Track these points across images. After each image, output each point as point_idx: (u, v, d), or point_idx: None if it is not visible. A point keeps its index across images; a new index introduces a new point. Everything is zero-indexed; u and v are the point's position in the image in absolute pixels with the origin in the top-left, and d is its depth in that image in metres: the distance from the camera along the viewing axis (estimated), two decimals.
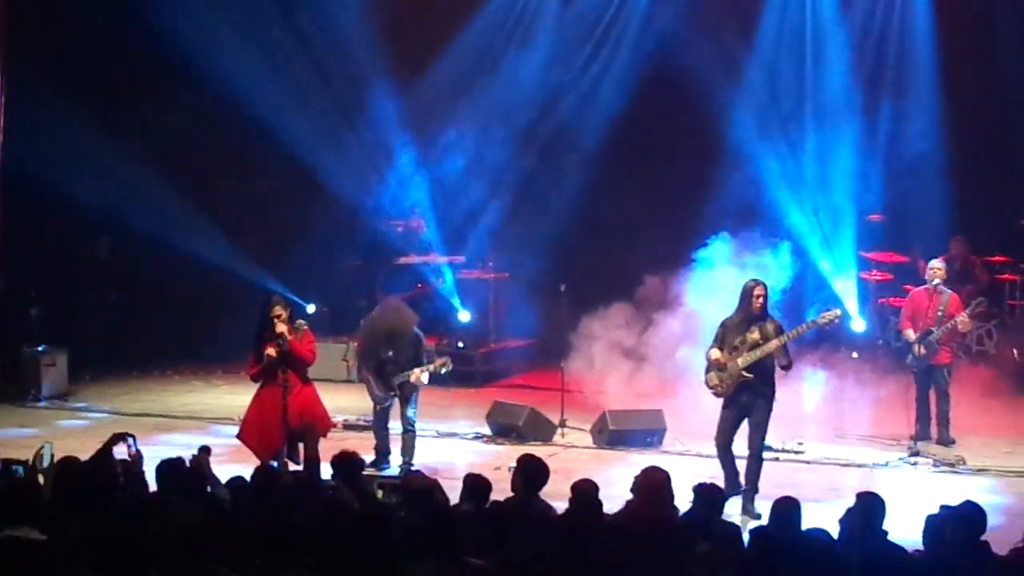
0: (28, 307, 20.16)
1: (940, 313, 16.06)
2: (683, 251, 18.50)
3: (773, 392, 13.39)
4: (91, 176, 21.21)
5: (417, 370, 14.68)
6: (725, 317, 13.60)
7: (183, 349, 22.06)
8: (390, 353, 14.82)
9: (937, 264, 16.33)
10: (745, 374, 13.17)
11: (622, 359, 18.24)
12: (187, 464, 9.93)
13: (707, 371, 13.54)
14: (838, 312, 13.96)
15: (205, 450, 10.65)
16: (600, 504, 9.21)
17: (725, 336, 13.45)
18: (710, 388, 13.54)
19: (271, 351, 13.64)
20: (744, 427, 13.45)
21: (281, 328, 13.59)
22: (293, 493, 9.64)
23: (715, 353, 13.43)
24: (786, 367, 13.46)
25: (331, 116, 21.97)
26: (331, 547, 7.88)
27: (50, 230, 21.35)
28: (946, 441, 16.17)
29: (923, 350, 16.03)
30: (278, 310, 13.71)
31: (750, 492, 13.16)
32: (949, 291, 16.34)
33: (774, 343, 13.12)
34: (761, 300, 13.31)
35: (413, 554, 7.79)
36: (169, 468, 9.58)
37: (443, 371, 14.91)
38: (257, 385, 14.01)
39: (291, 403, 13.55)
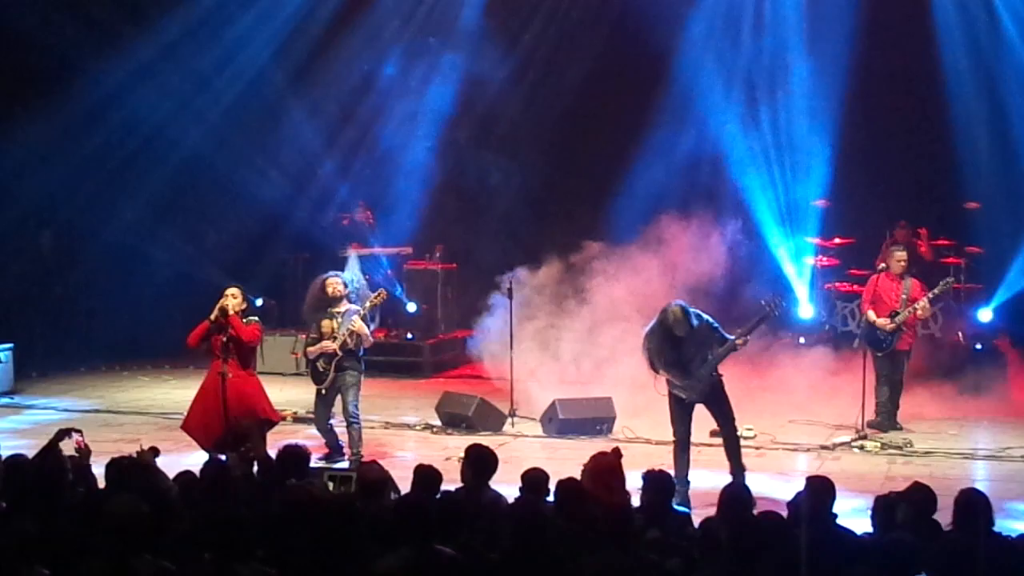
0: None
1: (904, 297, 16.20)
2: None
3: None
4: (30, 168, 21.07)
5: (355, 318, 14.67)
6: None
7: (131, 344, 21.92)
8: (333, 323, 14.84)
9: (901, 254, 16.47)
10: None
11: (559, 343, 18.15)
12: (135, 461, 9.88)
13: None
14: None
15: (152, 451, 10.58)
16: (549, 492, 9.22)
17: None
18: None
19: (211, 316, 13.94)
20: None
21: (225, 303, 13.80)
22: (243, 487, 9.61)
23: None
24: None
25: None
26: (286, 541, 7.85)
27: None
28: (887, 427, 16.27)
29: (890, 328, 16.14)
30: (233, 290, 13.99)
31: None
32: (910, 277, 16.45)
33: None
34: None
35: (382, 544, 7.78)
36: (117, 465, 9.52)
37: (379, 302, 14.95)
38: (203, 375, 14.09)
39: (231, 393, 13.62)
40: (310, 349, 14.90)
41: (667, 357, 13.18)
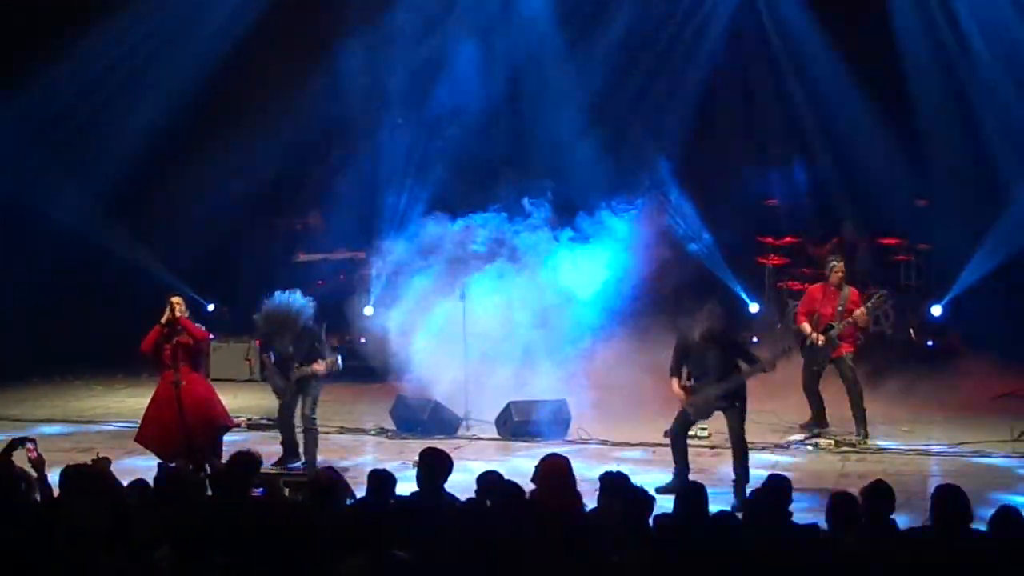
0: None
1: (840, 308, 16.16)
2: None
3: None
4: None
5: (315, 365, 14.57)
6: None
7: (83, 353, 21.75)
8: (290, 348, 14.68)
9: (839, 264, 16.43)
10: None
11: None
12: (90, 468, 9.81)
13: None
14: None
15: (105, 460, 10.51)
16: (506, 494, 9.20)
17: None
18: None
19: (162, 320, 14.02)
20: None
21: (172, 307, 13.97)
22: (197, 494, 9.56)
23: None
24: None
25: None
26: (243, 547, 7.81)
27: None
28: (861, 435, 16.06)
29: (821, 343, 16.09)
30: (176, 298, 14.11)
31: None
32: (848, 286, 16.41)
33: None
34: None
35: (338, 550, 7.75)
36: (73, 472, 9.43)
37: (333, 371, 14.81)
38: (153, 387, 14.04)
39: (186, 401, 13.59)
40: (300, 370, 14.66)
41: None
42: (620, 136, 21.16)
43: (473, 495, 9.27)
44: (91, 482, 9.32)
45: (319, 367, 14.49)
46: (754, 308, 20.53)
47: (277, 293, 14.99)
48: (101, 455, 10.59)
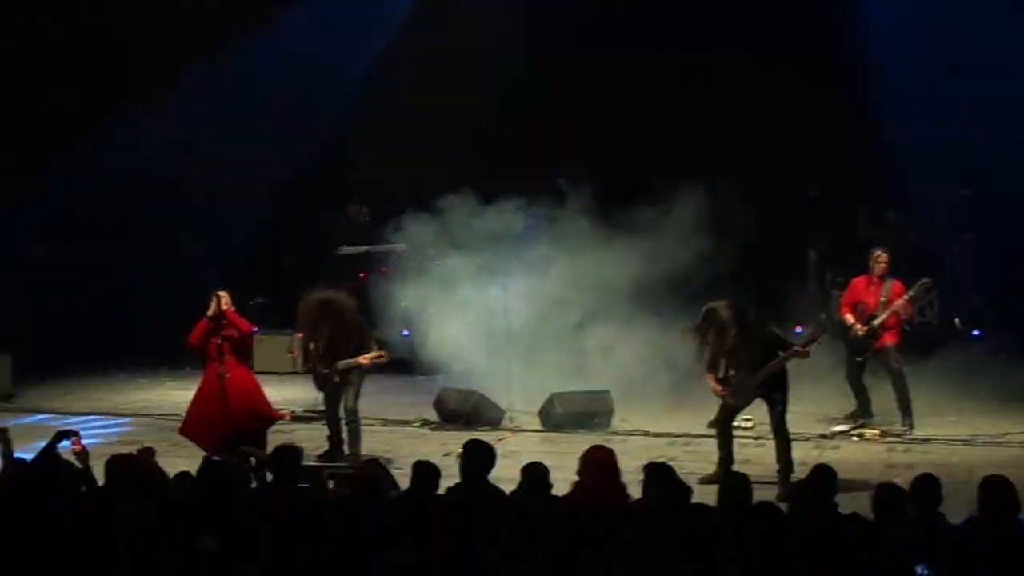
0: None
1: (883, 299, 16.11)
2: None
3: None
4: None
5: (358, 358, 14.60)
6: None
7: (127, 347, 21.86)
8: (334, 342, 14.72)
9: (882, 254, 16.37)
10: None
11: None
12: (135, 459, 9.88)
13: None
14: None
15: (149, 451, 10.59)
16: (550, 486, 9.22)
17: None
18: None
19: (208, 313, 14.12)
20: None
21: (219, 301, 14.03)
22: (242, 486, 9.61)
23: None
24: None
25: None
26: (287, 539, 7.86)
27: None
28: (907, 425, 16.02)
29: (863, 333, 16.05)
30: (223, 293, 14.15)
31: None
32: (892, 278, 16.35)
33: None
34: None
35: (382, 542, 7.78)
36: (118, 463, 9.49)
37: (378, 363, 14.83)
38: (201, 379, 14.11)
39: (232, 394, 13.68)
40: (344, 361, 14.71)
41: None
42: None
43: (517, 486, 9.30)
44: (136, 474, 9.38)
45: (362, 358, 14.54)
46: (799, 299, 20.43)
47: (320, 287, 15.08)
48: (145, 446, 10.69)
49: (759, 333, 13.54)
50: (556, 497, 9.25)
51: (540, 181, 18.78)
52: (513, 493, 9.27)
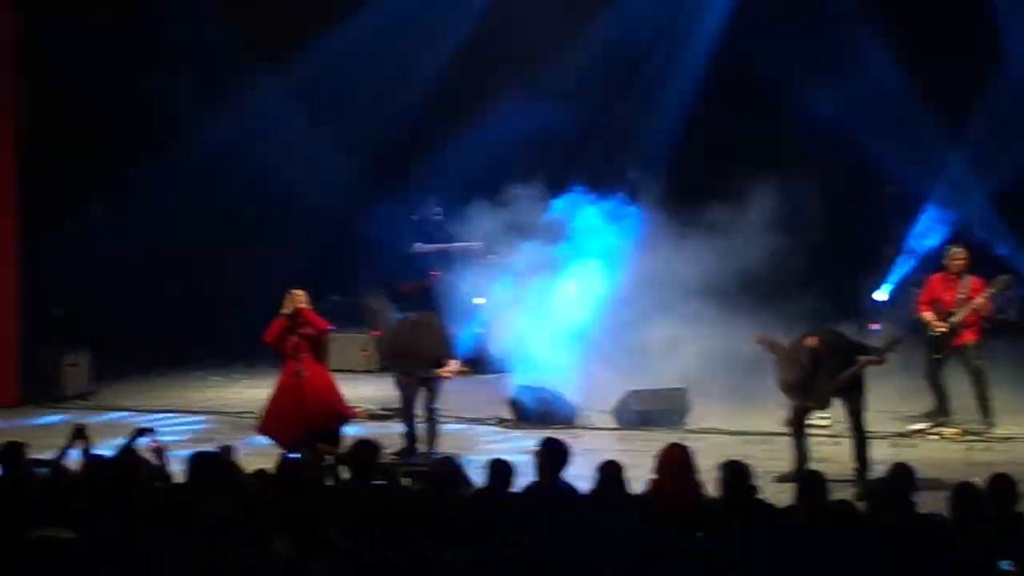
0: (51, 305, 20.18)
1: (961, 296, 15.98)
2: None
3: None
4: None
5: (445, 368, 14.70)
6: None
7: (204, 345, 22.03)
8: (416, 346, 14.80)
9: (959, 251, 16.25)
10: None
11: None
12: (218, 456, 9.98)
13: None
14: None
15: (230, 448, 10.67)
16: (625, 484, 9.22)
17: None
18: None
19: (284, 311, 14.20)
20: None
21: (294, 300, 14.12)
22: (318, 483, 9.68)
23: None
24: None
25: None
26: (362, 536, 7.90)
27: (70, 229, 21.26)
28: (986, 424, 15.89)
29: (941, 331, 15.94)
30: (299, 291, 14.23)
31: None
32: (970, 275, 16.22)
33: None
34: None
35: (456, 539, 7.81)
36: (201, 460, 9.58)
37: (463, 374, 14.96)
38: (276, 377, 14.20)
39: (308, 392, 13.80)
40: (428, 372, 14.83)
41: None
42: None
43: (593, 485, 9.31)
44: (218, 470, 9.48)
45: (446, 371, 14.63)
46: (881, 295, 20.31)
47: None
48: (226, 444, 10.78)
49: (838, 341, 13.49)
50: (632, 495, 9.25)
51: (610, 174, 18.74)
52: (589, 491, 9.28)
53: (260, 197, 22.03)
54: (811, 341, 13.32)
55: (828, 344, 13.32)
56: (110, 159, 21.38)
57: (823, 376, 13.30)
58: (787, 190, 17.83)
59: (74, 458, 10.36)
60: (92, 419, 17.33)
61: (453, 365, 14.72)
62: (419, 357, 14.77)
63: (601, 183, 18.46)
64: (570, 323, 17.64)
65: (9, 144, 18.82)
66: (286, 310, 14.25)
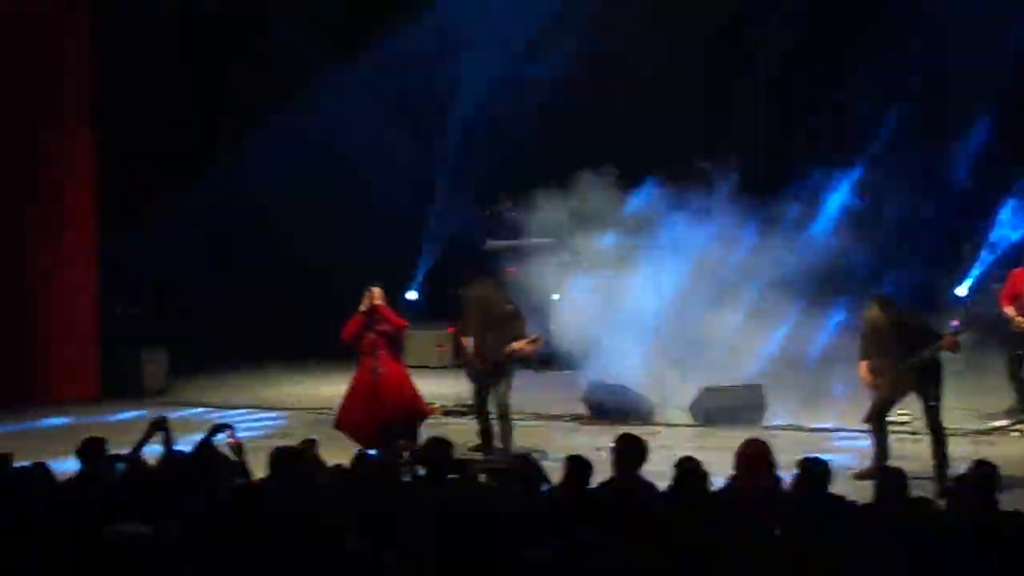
0: (129, 303, 20.37)
1: None
2: None
3: None
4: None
5: (514, 343, 14.59)
6: None
7: (279, 341, 22.14)
8: (488, 334, 14.75)
9: None
10: None
11: None
12: (299, 451, 10.02)
13: None
14: None
15: (311, 443, 10.73)
16: (704, 481, 9.17)
17: None
18: None
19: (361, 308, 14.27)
20: None
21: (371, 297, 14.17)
22: (394, 480, 9.69)
23: None
24: None
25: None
26: (438, 533, 7.89)
27: (147, 227, 21.42)
28: None
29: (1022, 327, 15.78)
30: (377, 288, 14.31)
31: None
32: None
33: None
34: None
35: (533, 536, 7.80)
36: (282, 455, 9.61)
37: (536, 347, 14.80)
38: (351, 373, 14.26)
39: (384, 389, 13.86)
40: (507, 348, 14.79)
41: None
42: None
43: (670, 482, 9.27)
44: (298, 466, 9.50)
45: (523, 345, 14.53)
46: (962, 291, 20.12)
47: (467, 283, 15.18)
48: (308, 438, 10.84)
49: (911, 321, 13.35)
50: (710, 492, 9.20)
51: (683, 165, 18.60)
52: (666, 489, 9.24)
53: (335, 192, 22.13)
54: (869, 312, 13.28)
55: (892, 318, 13.19)
56: (191, 154, 21.59)
57: (891, 353, 13.17)
58: (863, 184, 17.69)
59: (153, 452, 10.43)
60: (170, 415, 17.53)
61: (525, 341, 14.58)
62: (491, 332, 14.67)
63: (676, 174, 18.31)
64: (644, 318, 17.55)
65: (88, 145, 19.05)
66: (363, 307, 14.33)
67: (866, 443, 13.66)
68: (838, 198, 18.14)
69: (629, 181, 18.62)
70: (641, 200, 18.38)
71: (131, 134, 20.04)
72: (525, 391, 16.22)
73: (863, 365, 13.49)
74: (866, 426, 13.66)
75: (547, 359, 18.41)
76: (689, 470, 9.23)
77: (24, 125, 18.69)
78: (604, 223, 18.29)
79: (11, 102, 18.61)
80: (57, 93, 18.93)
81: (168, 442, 10.49)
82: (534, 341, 14.62)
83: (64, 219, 19.08)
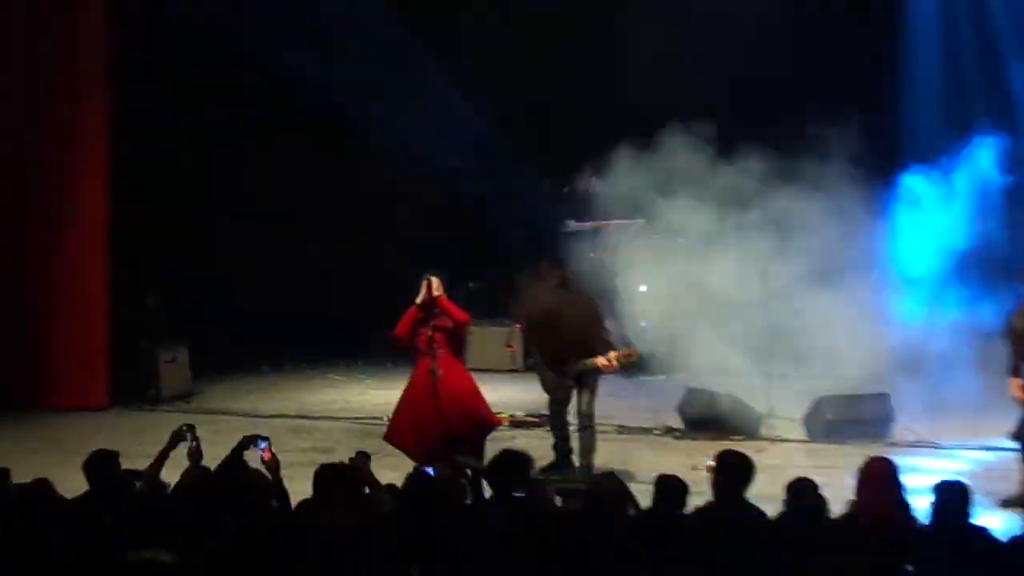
0: (144, 296, 20.47)
1: None
2: None
3: None
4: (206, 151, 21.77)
5: (599, 358, 14.55)
6: None
7: (319, 342, 22.25)
8: (566, 338, 14.73)
9: None
10: None
11: None
12: (347, 468, 10.05)
13: None
14: None
15: (363, 457, 10.75)
16: (820, 506, 9.16)
17: None
18: None
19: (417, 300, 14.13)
20: None
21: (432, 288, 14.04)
22: (456, 500, 9.72)
23: None
24: None
25: None
26: (507, 563, 7.94)
27: (164, 205, 21.60)
28: None
29: None
30: (435, 278, 14.13)
31: None
32: None
33: None
34: None
35: (619, 568, 7.84)
36: (329, 472, 9.65)
37: (627, 363, 14.74)
38: (407, 377, 14.28)
39: (445, 394, 13.77)
40: (583, 363, 14.65)
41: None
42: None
43: (782, 507, 9.27)
44: (346, 486, 9.54)
45: (605, 361, 14.52)
46: None
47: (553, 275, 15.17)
48: (359, 452, 10.86)
49: None
50: (828, 518, 9.19)
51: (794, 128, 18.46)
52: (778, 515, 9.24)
53: (388, 169, 22.28)
54: (1018, 317, 13.25)
55: None
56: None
57: None
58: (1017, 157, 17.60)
59: (178, 465, 10.52)
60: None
61: (612, 355, 14.51)
62: (569, 346, 14.66)
63: (783, 139, 18.17)
64: (749, 313, 17.48)
65: (102, 131, 19.29)
66: (419, 299, 14.22)
67: (1013, 464, 13.58)
68: (982, 172, 17.96)
69: (728, 146, 18.48)
70: (743, 170, 18.24)
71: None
72: (609, 399, 16.24)
73: (1013, 383, 13.39)
74: (1015, 444, 13.58)
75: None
76: (803, 493, 9.23)
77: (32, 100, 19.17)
78: (699, 197, 18.15)
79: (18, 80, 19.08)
80: (69, 67, 19.26)
81: (194, 456, 10.57)
82: (626, 356, 14.55)
83: (75, 203, 19.29)
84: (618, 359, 14.41)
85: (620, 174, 18.55)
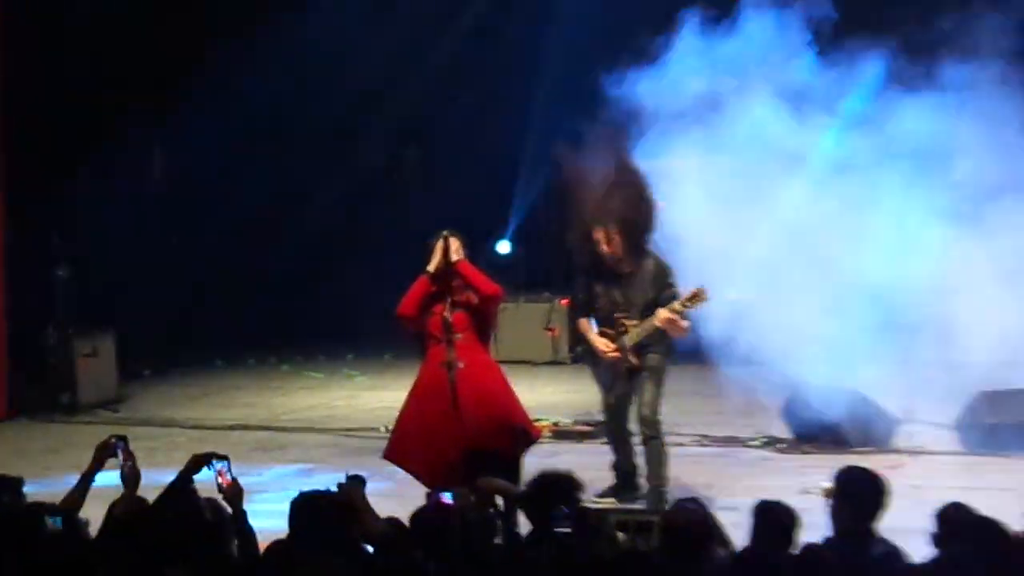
0: (53, 267, 20.46)
1: None
2: None
3: None
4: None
5: (661, 311, 14.42)
6: None
7: (291, 329, 22.40)
8: (618, 298, 14.68)
9: None
10: None
11: None
12: (336, 500, 10.07)
13: None
14: None
15: (357, 482, 10.75)
16: (985, 540, 9.18)
17: None
18: None
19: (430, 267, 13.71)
20: None
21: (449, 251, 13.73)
22: (484, 538, 9.77)
23: None
24: None
25: None
26: None
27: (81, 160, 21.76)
28: None
29: None
30: (454, 238, 13.75)
31: None
32: None
33: None
34: None
35: None
36: (307, 504, 9.69)
37: (697, 305, 14.67)
38: (415, 371, 14.28)
39: (466, 393, 13.61)
40: (641, 325, 14.60)
41: None
42: None
43: (928, 544, 9.28)
44: (336, 520, 9.58)
45: (668, 313, 14.42)
46: None
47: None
48: (350, 475, 10.83)
49: None
50: (990, 557, 9.20)
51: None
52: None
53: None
54: None
55: None
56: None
57: None
58: None
59: (104, 495, 10.56)
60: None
61: (676, 304, 14.39)
62: (622, 302, 14.61)
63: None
64: (873, 283, 17.50)
65: None
66: (433, 266, 13.91)
67: None
68: None
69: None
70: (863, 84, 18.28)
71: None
72: (682, 398, 16.30)
73: None
74: None
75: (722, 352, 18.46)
76: (955, 523, 9.25)
77: None
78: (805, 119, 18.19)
79: None
80: None
81: (129, 477, 10.57)
82: (693, 298, 14.37)
83: None
84: (684, 305, 14.35)
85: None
